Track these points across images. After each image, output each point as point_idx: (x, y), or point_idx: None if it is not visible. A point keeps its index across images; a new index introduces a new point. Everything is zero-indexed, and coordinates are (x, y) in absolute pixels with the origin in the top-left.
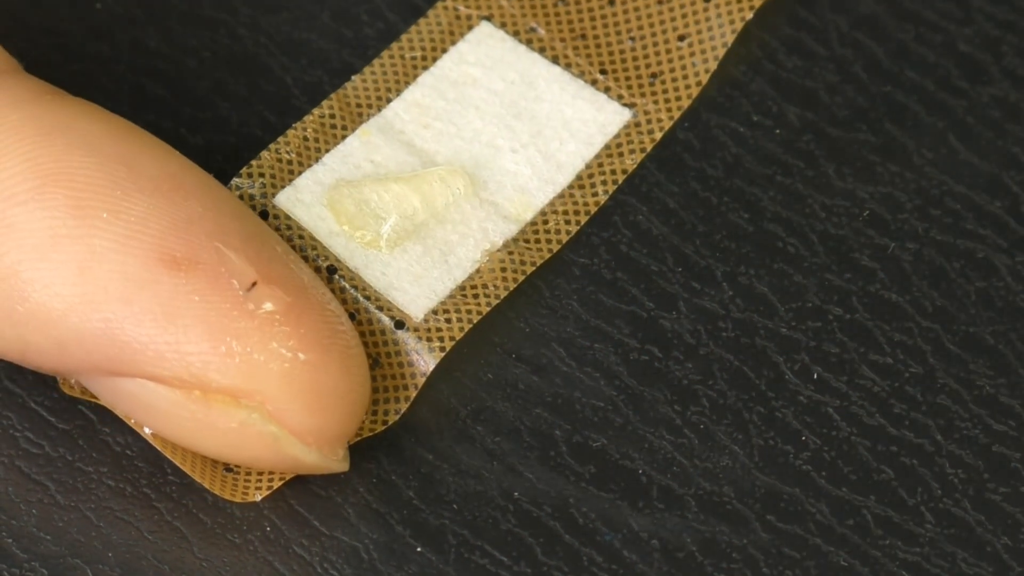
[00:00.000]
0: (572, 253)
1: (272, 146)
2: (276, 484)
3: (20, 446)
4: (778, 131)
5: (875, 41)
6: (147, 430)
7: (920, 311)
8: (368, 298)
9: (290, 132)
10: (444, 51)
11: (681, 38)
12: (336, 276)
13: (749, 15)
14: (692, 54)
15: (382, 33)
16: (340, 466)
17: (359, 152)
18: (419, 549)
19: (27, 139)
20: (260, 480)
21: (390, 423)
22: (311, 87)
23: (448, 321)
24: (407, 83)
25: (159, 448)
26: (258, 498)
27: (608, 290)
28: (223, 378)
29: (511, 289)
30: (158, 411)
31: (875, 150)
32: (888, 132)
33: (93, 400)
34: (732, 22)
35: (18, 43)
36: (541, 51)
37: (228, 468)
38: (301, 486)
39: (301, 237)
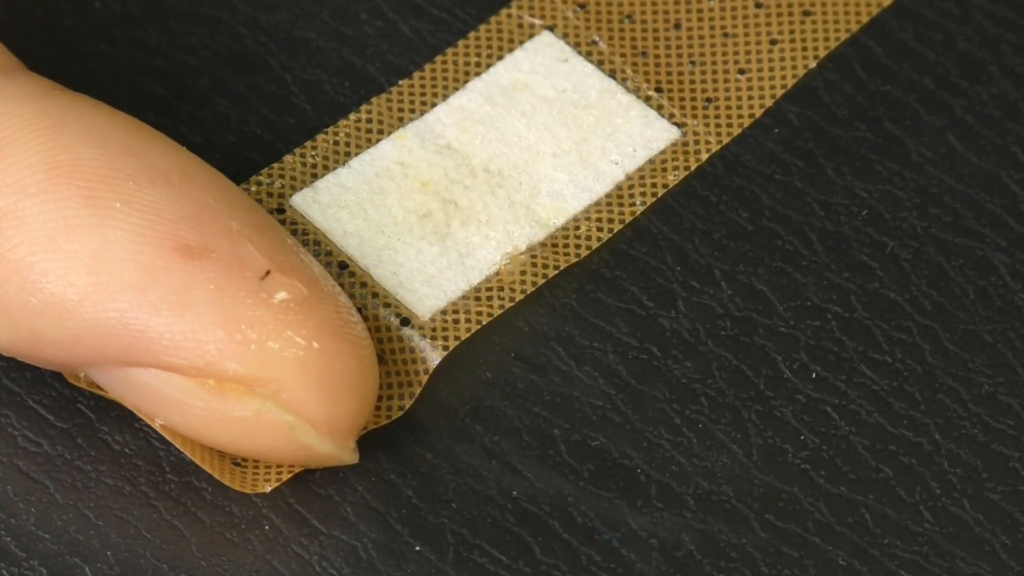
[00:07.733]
0: None
1: (298, 150)
2: (285, 476)
3: (19, 445)
4: (777, 129)
5: (874, 39)
6: (158, 421)
7: (919, 309)
8: (376, 295)
9: (319, 137)
10: (500, 58)
11: (741, 72)
12: (346, 272)
13: (813, 64)
14: (750, 88)
15: (381, 31)
16: (351, 457)
17: (389, 154)
18: (418, 548)
19: (37, 132)
20: (269, 472)
21: (393, 418)
22: (310, 85)
23: (456, 321)
24: (456, 88)
25: (169, 439)
26: (267, 489)
27: (607, 288)
28: (238, 366)
29: (528, 292)
30: (172, 401)
31: (874, 148)
32: (887, 131)
33: (101, 393)
34: (794, 67)
35: (18, 41)
36: (599, 64)
37: (236, 462)
38: (300, 484)
39: (317, 241)
